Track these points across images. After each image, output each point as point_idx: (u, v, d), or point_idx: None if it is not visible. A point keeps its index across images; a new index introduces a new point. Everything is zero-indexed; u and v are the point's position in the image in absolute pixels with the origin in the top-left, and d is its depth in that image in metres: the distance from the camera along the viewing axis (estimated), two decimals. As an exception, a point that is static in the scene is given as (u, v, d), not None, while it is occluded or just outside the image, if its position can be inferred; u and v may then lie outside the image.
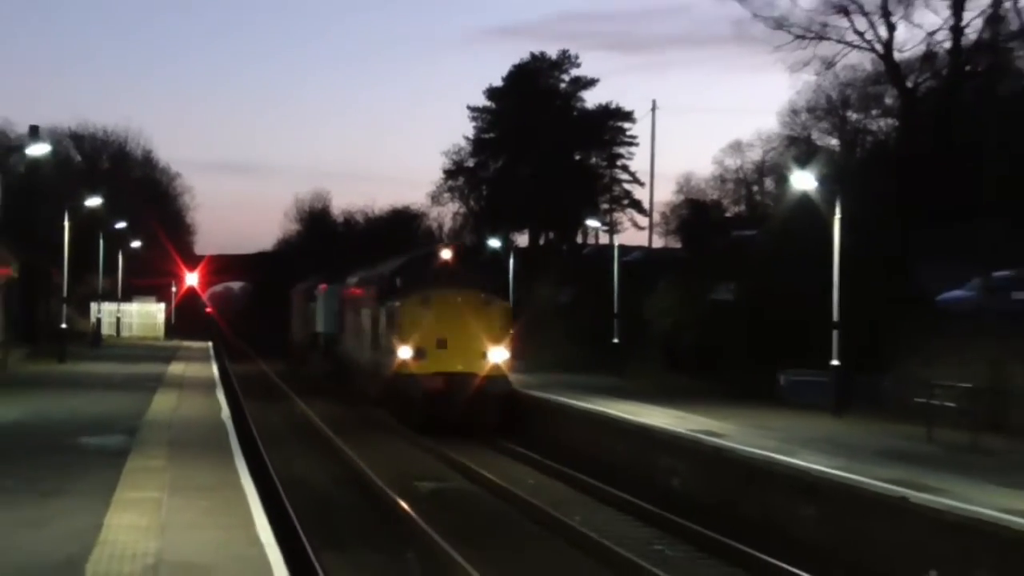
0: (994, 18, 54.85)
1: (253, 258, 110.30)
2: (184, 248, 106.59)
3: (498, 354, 36.14)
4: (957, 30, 55.34)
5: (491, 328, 36.34)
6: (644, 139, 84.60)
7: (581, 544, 22.01)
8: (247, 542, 15.37)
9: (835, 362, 34.67)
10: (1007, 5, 54.66)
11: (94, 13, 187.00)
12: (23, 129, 51.44)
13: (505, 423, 36.35)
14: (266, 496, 20.13)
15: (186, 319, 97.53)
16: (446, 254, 39.90)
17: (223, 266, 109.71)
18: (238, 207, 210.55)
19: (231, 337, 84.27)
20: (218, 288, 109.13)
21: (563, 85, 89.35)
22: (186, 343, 76.91)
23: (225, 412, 33.20)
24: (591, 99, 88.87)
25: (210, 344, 73.64)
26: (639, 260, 66.38)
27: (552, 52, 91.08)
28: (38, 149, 44.23)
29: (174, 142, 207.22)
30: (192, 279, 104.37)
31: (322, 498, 25.86)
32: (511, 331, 37.52)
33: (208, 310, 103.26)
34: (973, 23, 55.24)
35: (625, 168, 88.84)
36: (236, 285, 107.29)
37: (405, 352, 35.46)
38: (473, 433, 35.08)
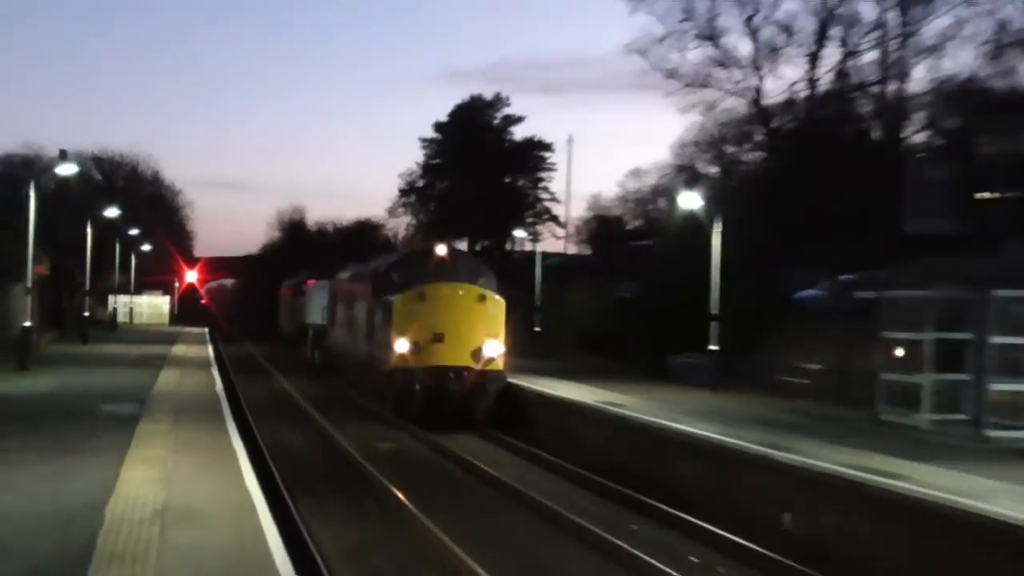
0: (841, 73, 56.28)
1: (242, 260, 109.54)
2: (185, 251, 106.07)
3: (493, 348, 31.32)
4: (812, 82, 56.43)
5: (487, 323, 31.50)
6: (562, 166, 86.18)
7: (506, 491, 22.29)
8: (237, 491, 15.44)
9: (712, 347, 35.09)
10: (850, 63, 56.36)
11: (110, 49, 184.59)
12: (52, 152, 50.88)
13: (500, 416, 31.29)
14: (253, 454, 20.14)
15: (187, 310, 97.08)
16: (441, 250, 34.69)
17: (217, 266, 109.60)
18: (229, 217, 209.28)
19: (224, 324, 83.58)
20: (213, 284, 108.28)
21: (496, 121, 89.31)
22: (187, 329, 76.49)
23: (219, 386, 33.08)
24: (519, 132, 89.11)
25: (206, 330, 73.19)
26: (558, 264, 66.88)
27: (488, 94, 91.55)
28: (66, 169, 43.73)
29: (177, 162, 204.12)
30: (191, 276, 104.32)
31: (297, 455, 25.84)
32: (506, 326, 32.76)
33: (204, 302, 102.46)
34: (825, 76, 56.46)
35: (546, 189, 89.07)
36: (228, 282, 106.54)
37: (402, 346, 30.64)
38: (468, 426, 30.39)
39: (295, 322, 61.06)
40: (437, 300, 31.41)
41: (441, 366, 30.62)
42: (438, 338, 30.79)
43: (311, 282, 55.28)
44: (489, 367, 31.23)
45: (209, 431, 22.06)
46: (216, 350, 53.94)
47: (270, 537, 12.54)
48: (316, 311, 52.49)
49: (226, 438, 21.09)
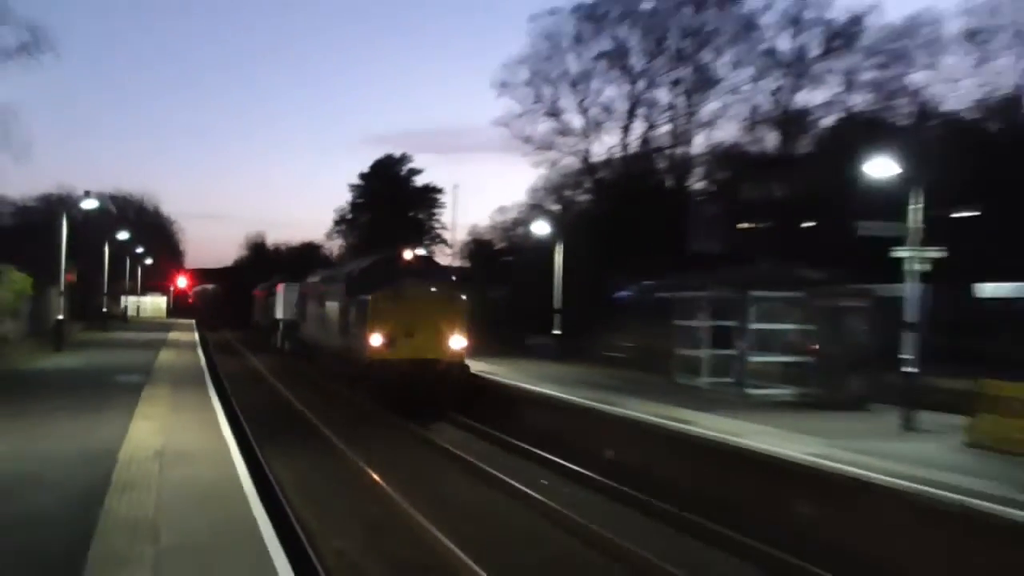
0: (645, 140, 57.41)
1: (219, 271, 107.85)
2: (177, 264, 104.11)
3: (458, 342, 26.78)
4: (625, 146, 57.58)
5: (452, 319, 26.83)
6: (450, 204, 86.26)
7: (417, 435, 22.01)
8: (216, 438, 15.21)
9: (556, 332, 35.42)
10: (651, 133, 57.67)
11: (122, 110, 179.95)
12: (79, 191, 49.76)
13: (462, 400, 26.50)
14: (228, 411, 19.78)
15: (178, 307, 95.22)
16: (408, 255, 30.25)
17: (201, 275, 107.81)
18: (210, 239, 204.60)
19: (206, 318, 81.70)
20: (198, 288, 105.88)
21: (403, 172, 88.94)
22: (179, 321, 74.92)
23: (203, 362, 32.48)
24: (419, 180, 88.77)
25: (194, 322, 71.55)
26: (448, 274, 67.32)
27: (397, 153, 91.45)
28: (89, 204, 42.76)
29: (170, 198, 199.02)
30: (182, 283, 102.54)
31: (261, 410, 25.36)
32: (467, 322, 27.87)
33: (191, 301, 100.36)
34: (633, 142, 57.69)
35: (438, 220, 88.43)
36: (209, 286, 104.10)
37: (377, 340, 26.08)
38: (435, 409, 25.81)
39: (267, 317, 57.32)
40: (409, 299, 26.67)
41: (412, 358, 26.03)
42: (409, 333, 26.19)
43: (280, 286, 51.15)
44: (454, 358, 26.62)
45: (195, 395, 21.65)
46: (201, 336, 52.73)
47: (240, 470, 12.41)
48: (286, 308, 48.34)
49: (208, 400, 20.72)
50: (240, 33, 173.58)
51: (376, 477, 16.25)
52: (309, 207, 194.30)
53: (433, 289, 27.28)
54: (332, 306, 32.89)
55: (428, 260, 33.16)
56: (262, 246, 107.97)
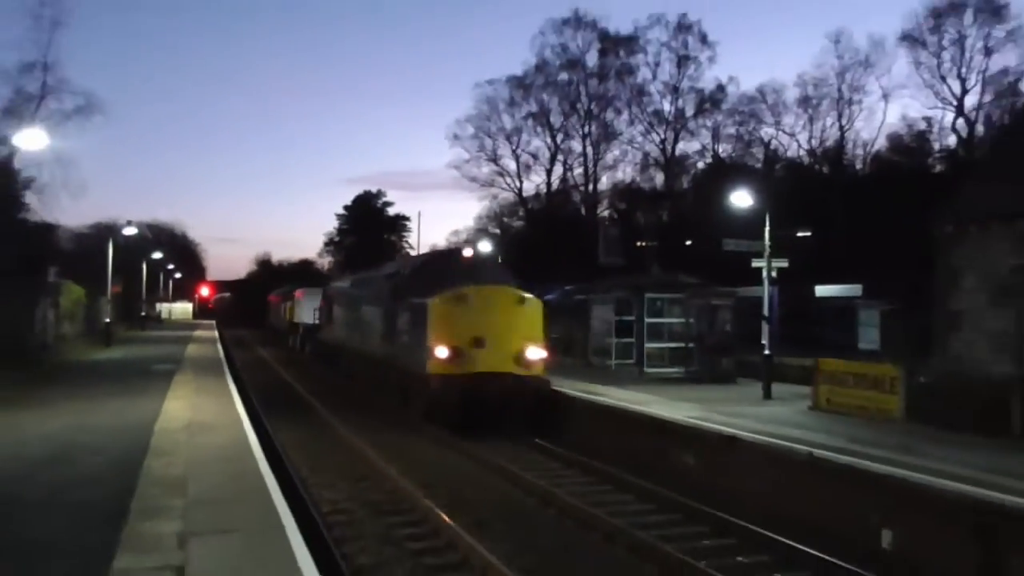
0: (563, 179, 58.18)
1: (234, 282, 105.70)
2: (200, 277, 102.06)
3: (536, 352, 17.64)
4: (549, 184, 58.20)
5: (529, 326, 17.81)
6: (416, 230, 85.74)
7: (391, 411, 20.70)
8: (232, 413, 14.83)
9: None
10: (569, 174, 58.53)
11: (157, 151, 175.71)
12: (123, 220, 48.81)
13: (543, 423, 17.15)
14: (242, 391, 19.35)
15: (202, 312, 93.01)
16: (468, 252, 21.04)
17: (219, 287, 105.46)
18: (226, 258, 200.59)
19: (224, 319, 79.72)
20: (217, 297, 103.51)
21: (378, 204, 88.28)
22: (202, 322, 73.27)
23: (222, 354, 31.75)
24: (391, 211, 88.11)
25: (214, 322, 69.97)
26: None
27: (374, 189, 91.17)
28: (130, 231, 42.30)
29: (197, 224, 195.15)
30: (204, 292, 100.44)
31: (269, 392, 24.86)
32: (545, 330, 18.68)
33: (211, 307, 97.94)
34: (555, 182, 58.18)
35: (407, 242, 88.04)
36: (226, 295, 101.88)
37: (442, 352, 17.13)
38: (508, 433, 16.58)
39: (283, 321, 49.61)
40: (478, 302, 17.50)
41: (483, 372, 16.96)
42: (479, 343, 17.15)
43: (299, 292, 43.02)
44: (533, 372, 17.35)
45: (216, 380, 21.07)
46: (220, 334, 51.61)
47: (251, 436, 12.12)
48: (307, 313, 39.96)
49: (226, 383, 20.21)
50: (250, 95, 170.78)
51: (365, 446, 15.82)
52: (305, 231, 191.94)
53: (506, 290, 18.11)
54: (372, 311, 23.24)
55: (485, 257, 22.95)
56: (268, 262, 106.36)
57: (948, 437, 12.53)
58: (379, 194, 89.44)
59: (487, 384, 16.72)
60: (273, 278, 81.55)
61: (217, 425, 13.22)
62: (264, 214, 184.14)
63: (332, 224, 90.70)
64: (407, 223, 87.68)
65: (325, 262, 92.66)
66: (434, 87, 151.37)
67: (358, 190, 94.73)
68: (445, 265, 19.71)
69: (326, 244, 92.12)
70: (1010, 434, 12.67)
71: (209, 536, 7.04)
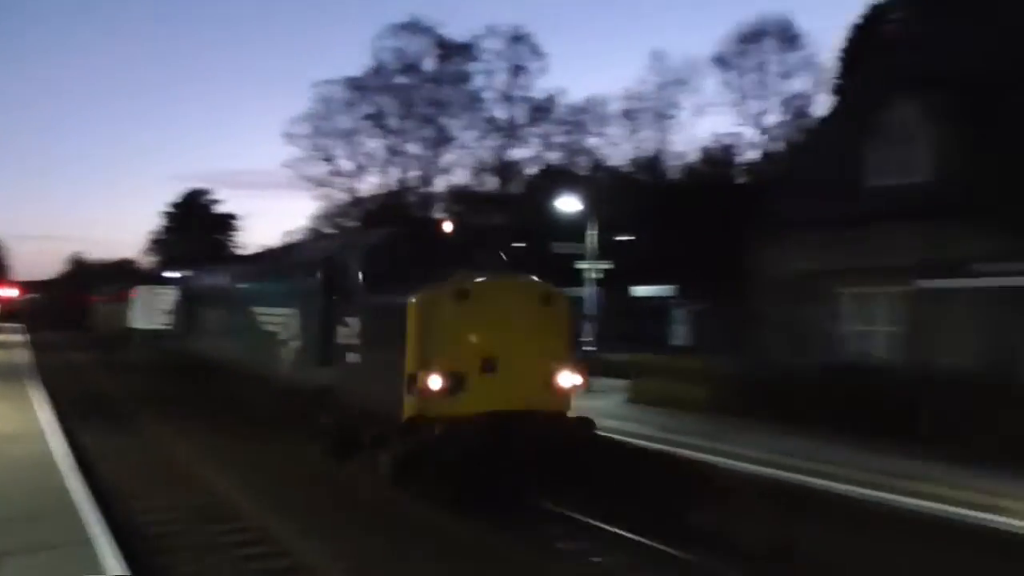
0: (400, 181, 58.07)
1: (45, 283, 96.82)
2: (2, 277, 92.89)
3: (570, 379, 9.86)
4: (384, 186, 58.20)
5: (555, 336, 9.79)
6: (246, 229, 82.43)
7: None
8: (34, 421, 13.54)
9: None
10: (405, 176, 58.96)
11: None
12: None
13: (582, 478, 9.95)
14: (54, 401, 17.71)
15: (6, 314, 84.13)
16: (449, 226, 11.66)
17: (27, 287, 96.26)
18: (36, 256, 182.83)
19: (33, 322, 72.35)
20: (25, 298, 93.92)
21: (205, 201, 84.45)
22: (6, 325, 65.87)
23: (31, 360, 28.93)
24: (220, 209, 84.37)
25: (24, 326, 63.25)
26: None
27: (202, 186, 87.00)
28: None
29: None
30: (10, 293, 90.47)
31: (76, 397, 22.88)
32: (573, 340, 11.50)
33: (18, 309, 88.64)
34: (393, 183, 58.12)
35: (235, 241, 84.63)
36: (37, 296, 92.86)
37: (436, 382, 8.83)
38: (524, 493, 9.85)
39: (113, 325, 40.25)
40: (486, 302, 9.54)
41: (497, 411, 9.23)
42: (489, 365, 9.31)
43: (136, 289, 35.02)
44: (567, 407, 10.16)
45: (20, 388, 19.19)
46: (29, 337, 46.81)
47: (52, 446, 11.13)
48: (143, 316, 32.87)
49: (32, 393, 18.46)
50: (70, 77, 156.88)
51: (181, 448, 14.79)
52: (125, 230, 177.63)
53: (526, 282, 10.54)
54: (284, 314, 13.59)
55: (483, 234, 15.03)
56: (83, 262, 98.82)
57: (749, 425, 13.57)
58: (206, 191, 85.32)
59: (506, 429, 9.32)
60: (93, 278, 75.66)
61: (17, 435, 12.02)
62: (80, 211, 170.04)
63: (156, 222, 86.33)
64: (236, 221, 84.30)
65: (148, 261, 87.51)
66: (272, 87, 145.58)
67: (185, 186, 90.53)
68: (421, 244, 11.28)
69: (151, 243, 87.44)
70: (803, 420, 13.88)
71: (13, 557, 6.40)
